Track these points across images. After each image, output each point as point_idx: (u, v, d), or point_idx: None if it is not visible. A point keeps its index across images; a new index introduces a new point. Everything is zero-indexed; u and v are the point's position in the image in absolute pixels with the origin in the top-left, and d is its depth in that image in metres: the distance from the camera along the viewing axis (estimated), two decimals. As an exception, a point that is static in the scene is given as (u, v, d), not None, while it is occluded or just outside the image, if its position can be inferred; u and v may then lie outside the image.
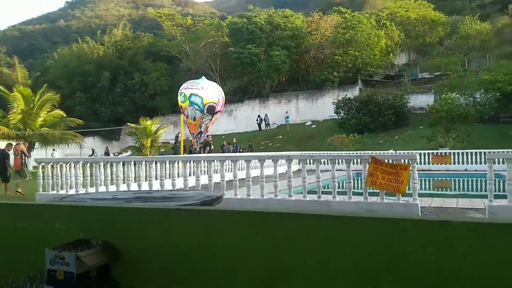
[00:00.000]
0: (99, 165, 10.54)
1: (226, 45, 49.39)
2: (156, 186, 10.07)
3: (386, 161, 8.29)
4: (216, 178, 9.53)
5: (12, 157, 14.77)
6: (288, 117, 42.57)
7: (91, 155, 39.83)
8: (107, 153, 40.33)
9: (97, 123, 50.08)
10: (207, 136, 25.84)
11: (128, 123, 36.26)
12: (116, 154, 48.33)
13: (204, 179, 10.03)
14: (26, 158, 15.33)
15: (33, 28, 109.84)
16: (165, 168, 10.63)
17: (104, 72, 52.66)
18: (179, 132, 23.60)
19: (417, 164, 8.26)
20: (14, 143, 17.63)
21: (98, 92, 53.34)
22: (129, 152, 35.68)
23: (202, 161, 10.99)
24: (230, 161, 9.59)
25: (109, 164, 10.64)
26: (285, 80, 50.06)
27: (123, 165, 10.59)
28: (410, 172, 8.05)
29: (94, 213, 1.97)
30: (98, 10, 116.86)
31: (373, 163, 7.98)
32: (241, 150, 28.15)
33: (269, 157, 9.11)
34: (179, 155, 19.94)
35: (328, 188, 10.41)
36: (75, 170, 10.63)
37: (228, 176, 9.80)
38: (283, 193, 9.23)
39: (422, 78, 44.78)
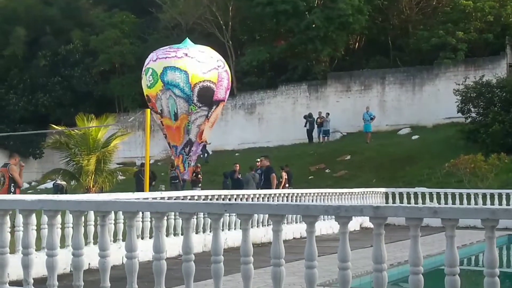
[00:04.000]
0: None
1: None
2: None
3: None
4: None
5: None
6: (371, 118, 42.40)
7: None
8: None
9: (0, 125, 50.17)
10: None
11: (54, 126, 35.10)
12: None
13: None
14: None
15: None
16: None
17: (15, 29, 52.66)
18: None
19: None
20: None
21: (4, 65, 53.90)
22: (60, 181, 34.83)
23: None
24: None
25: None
26: (359, 47, 50.08)
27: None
28: None
29: None
30: None
31: None
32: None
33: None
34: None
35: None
36: None
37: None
38: None
39: None
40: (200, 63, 21.64)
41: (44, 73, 52.41)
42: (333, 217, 7.69)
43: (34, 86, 52.38)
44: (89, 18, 54.28)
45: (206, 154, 41.18)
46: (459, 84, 37.62)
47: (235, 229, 16.42)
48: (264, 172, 25.70)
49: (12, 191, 17.23)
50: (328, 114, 43.98)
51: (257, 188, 25.29)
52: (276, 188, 24.34)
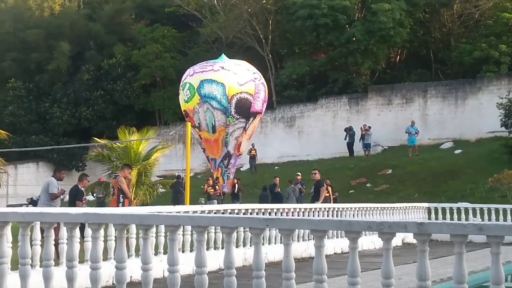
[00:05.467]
0: None
1: (286, -6, 49.36)
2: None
3: None
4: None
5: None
6: (416, 133, 41.99)
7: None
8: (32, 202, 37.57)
9: (44, 138, 50.75)
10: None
11: (97, 139, 35.44)
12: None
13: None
14: None
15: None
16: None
17: (60, 44, 53.24)
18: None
19: None
20: None
21: (48, 79, 54.27)
22: (101, 194, 35.00)
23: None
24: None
25: None
26: (400, 60, 49.92)
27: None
28: None
29: None
30: None
31: None
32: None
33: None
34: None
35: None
36: None
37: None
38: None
39: None
40: (236, 75, 21.70)
41: (87, 87, 52.98)
42: (375, 232, 7.65)
43: (77, 99, 52.95)
44: (131, 33, 55.02)
45: (254, 166, 41.55)
46: (502, 98, 37.57)
47: (275, 243, 16.38)
48: (315, 186, 25.73)
49: (121, 201, 18.09)
50: (370, 127, 43.82)
51: (299, 202, 25.31)
52: (323, 202, 24.26)
